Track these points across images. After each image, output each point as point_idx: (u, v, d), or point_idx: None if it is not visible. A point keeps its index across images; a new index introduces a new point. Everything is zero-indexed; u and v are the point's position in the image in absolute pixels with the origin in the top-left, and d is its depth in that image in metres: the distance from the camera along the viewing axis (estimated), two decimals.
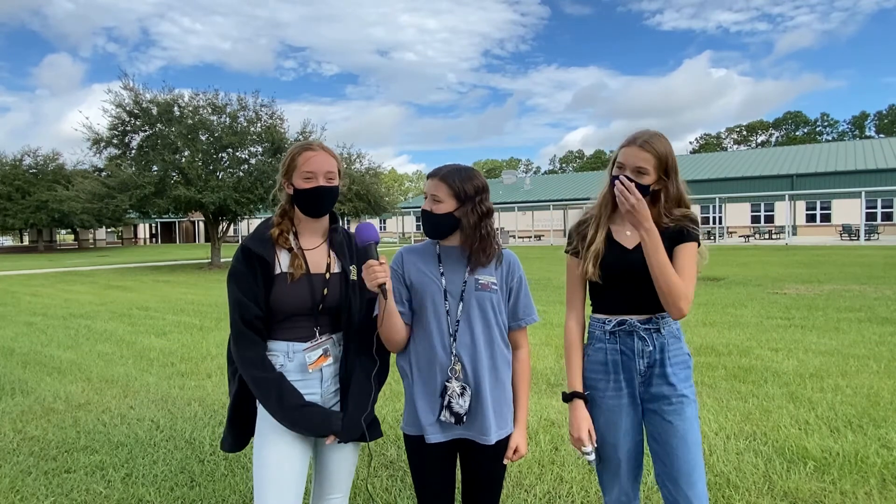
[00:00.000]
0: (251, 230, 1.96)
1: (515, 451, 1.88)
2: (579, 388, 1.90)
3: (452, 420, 1.80)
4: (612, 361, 1.89)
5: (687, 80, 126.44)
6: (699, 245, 1.87)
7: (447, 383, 1.80)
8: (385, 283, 1.70)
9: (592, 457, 1.87)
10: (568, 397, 1.92)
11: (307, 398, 1.84)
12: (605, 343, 1.91)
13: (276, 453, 1.80)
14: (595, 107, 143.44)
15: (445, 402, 1.80)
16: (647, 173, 1.82)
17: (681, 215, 1.88)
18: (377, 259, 1.71)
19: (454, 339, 1.83)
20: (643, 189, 1.84)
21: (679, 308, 1.76)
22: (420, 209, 1.94)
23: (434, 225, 1.85)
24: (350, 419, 1.84)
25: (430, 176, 1.87)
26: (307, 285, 1.84)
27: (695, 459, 1.83)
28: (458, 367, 1.82)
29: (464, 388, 1.80)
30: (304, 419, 1.79)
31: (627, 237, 1.91)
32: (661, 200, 1.88)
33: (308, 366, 1.84)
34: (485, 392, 1.82)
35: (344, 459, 1.95)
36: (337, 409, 1.90)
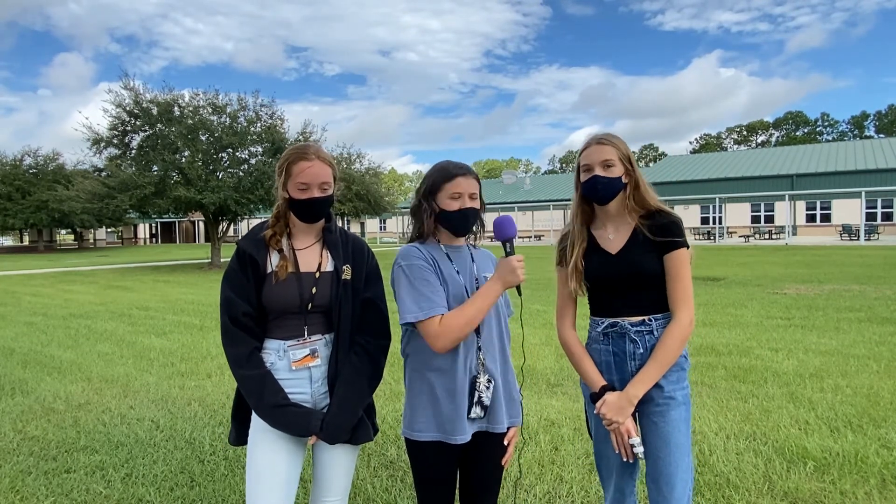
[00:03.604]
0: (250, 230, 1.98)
1: (512, 438, 1.94)
2: (603, 381, 1.88)
3: (482, 414, 1.82)
4: (605, 363, 1.91)
5: (692, 80, 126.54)
6: (688, 247, 1.87)
7: (477, 378, 1.83)
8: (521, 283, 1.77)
9: (642, 448, 1.82)
10: (598, 395, 1.86)
11: (296, 398, 1.84)
12: (599, 344, 1.94)
13: (266, 453, 1.81)
14: (598, 107, 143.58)
15: (476, 398, 1.81)
16: (614, 165, 1.86)
17: (663, 221, 1.86)
18: (514, 254, 1.78)
19: (479, 335, 1.86)
20: (617, 182, 1.86)
21: (691, 325, 1.83)
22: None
23: (474, 222, 1.92)
24: (334, 420, 1.83)
25: (460, 174, 1.85)
26: (295, 284, 1.84)
27: (676, 462, 1.83)
28: (484, 362, 1.85)
29: (490, 381, 1.84)
30: (282, 417, 1.79)
31: (610, 241, 1.92)
32: (632, 192, 1.90)
33: (292, 363, 1.84)
34: (499, 384, 1.88)
35: (337, 460, 1.92)
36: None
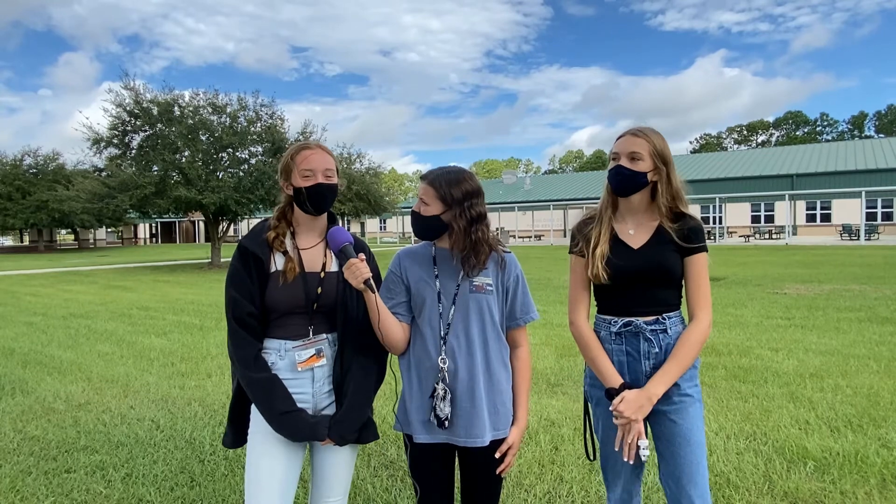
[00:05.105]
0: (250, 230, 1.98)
1: (509, 449, 1.87)
2: (621, 378, 1.85)
3: (435, 423, 1.81)
4: (618, 363, 1.89)
5: (695, 80, 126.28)
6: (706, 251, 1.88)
7: (436, 386, 1.82)
8: (369, 279, 1.72)
9: (647, 452, 1.80)
10: (617, 391, 1.82)
11: (298, 398, 1.83)
12: (611, 344, 1.90)
13: (265, 454, 1.81)
14: (599, 107, 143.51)
15: (432, 405, 1.81)
16: (642, 159, 1.83)
17: (690, 225, 1.87)
18: (356, 257, 1.73)
19: (444, 342, 1.84)
20: (640, 177, 1.84)
21: (710, 327, 1.86)
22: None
23: (420, 226, 1.87)
24: (344, 420, 1.84)
25: (421, 178, 1.89)
26: (301, 284, 1.84)
27: (698, 459, 1.83)
28: (446, 370, 1.82)
29: (446, 392, 1.81)
30: (290, 425, 1.78)
31: (631, 236, 1.90)
32: (660, 193, 1.87)
33: (297, 364, 1.84)
34: (479, 394, 1.82)
35: (339, 462, 1.93)
36: (330, 409, 1.90)
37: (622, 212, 1.95)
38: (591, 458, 2.04)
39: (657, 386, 1.79)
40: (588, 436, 2.05)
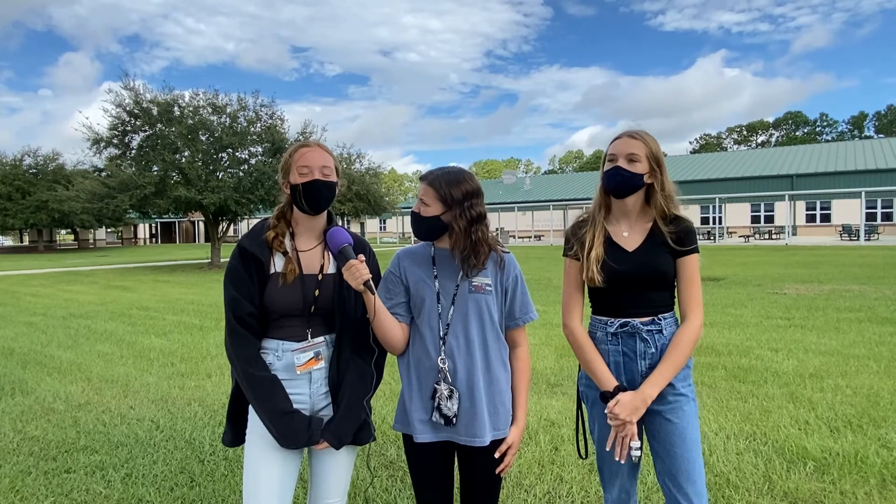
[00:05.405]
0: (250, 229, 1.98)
1: (508, 449, 1.87)
2: (615, 381, 1.86)
3: (442, 422, 1.81)
4: (615, 363, 1.90)
5: (695, 80, 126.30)
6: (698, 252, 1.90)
7: (437, 385, 1.82)
8: (369, 280, 1.72)
9: (639, 453, 1.83)
10: (612, 394, 1.82)
11: (295, 398, 1.83)
12: (607, 345, 1.91)
13: (264, 456, 1.80)
14: (599, 107, 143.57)
15: (436, 405, 1.81)
16: (639, 160, 1.85)
17: (683, 227, 1.88)
18: (355, 258, 1.73)
19: (444, 343, 1.84)
20: (638, 178, 1.85)
21: (702, 327, 1.86)
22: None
23: (420, 227, 1.87)
24: (340, 423, 1.83)
25: (420, 179, 1.88)
26: (299, 286, 1.83)
27: (694, 457, 1.85)
28: (446, 370, 1.82)
29: (451, 391, 1.81)
30: (286, 426, 1.77)
31: (625, 238, 1.92)
32: (656, 195, 1.89)
33: (297, 367, 1.83)
34: (479, 394, 1.83)
35: (337, 463, 1.92)
36: (327, 411, 1.90)
37: (615, 214, 1.96)
38: (583, 456, 2.06)
39: (651, 388, 1.81)
40: (580, 435, 2.07)
